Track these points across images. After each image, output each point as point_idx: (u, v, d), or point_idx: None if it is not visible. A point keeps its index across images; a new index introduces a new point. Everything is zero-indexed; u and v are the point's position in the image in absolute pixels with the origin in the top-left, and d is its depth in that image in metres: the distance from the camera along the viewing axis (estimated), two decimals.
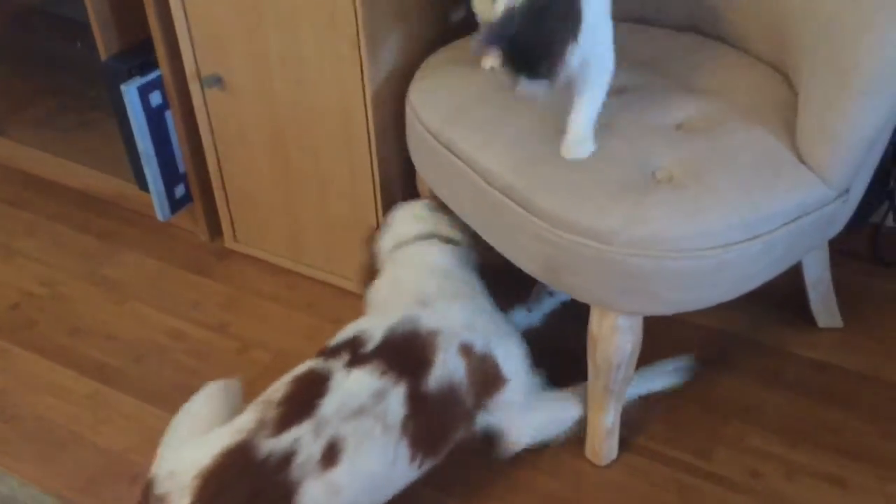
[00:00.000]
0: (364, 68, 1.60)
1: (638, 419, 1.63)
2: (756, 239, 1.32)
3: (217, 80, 1.79)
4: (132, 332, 1.89)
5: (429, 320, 1.43)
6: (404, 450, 1.34)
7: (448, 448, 1.43)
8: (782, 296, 1.79)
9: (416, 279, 1.54)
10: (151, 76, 1.89)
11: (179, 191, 2.05)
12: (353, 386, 1.34)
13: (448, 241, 1.61)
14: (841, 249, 1.98)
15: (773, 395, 1.69)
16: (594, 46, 1.30)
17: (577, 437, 1.57)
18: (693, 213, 1.29)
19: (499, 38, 1.24)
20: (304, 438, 1.28)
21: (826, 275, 1.74)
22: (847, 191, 1.40)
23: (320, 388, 1.33)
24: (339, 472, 1.28)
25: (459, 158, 1.49)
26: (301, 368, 1.40)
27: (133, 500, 1.55)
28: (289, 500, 1.25)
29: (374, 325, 1.43)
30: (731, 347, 1.79)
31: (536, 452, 1.57)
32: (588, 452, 1.57)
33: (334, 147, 1.74)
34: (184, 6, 1.73)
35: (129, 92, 1.86)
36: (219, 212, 2.03)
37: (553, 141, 1.41)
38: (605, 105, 1.39)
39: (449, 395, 1.39)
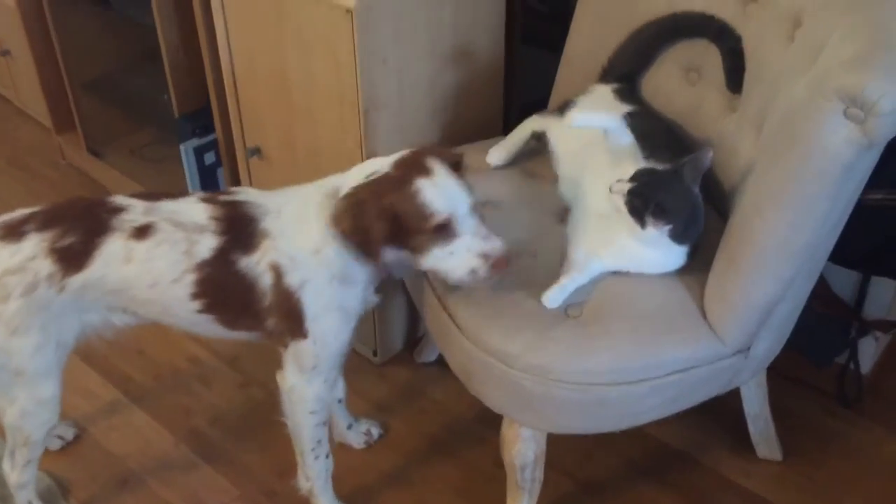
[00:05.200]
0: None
1: None
2: (642, 382, 1.47)
3: (256, 151, 2.08)
4: (159, 351, 2.19)
5: None
6: None
7: None
8: (731, 418, 1.89)
9: None
10: (209, 138, 2.20)
11: None
12: None
13: None
14: (808, 384, 2.07)
15: None
16: None
17: None
18: (583, 350, 1.46)
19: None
20: None
21: (765, 410, 1.84)
22: (748, 348, 1.53)
23: None
24: None
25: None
26: None
27: (117, 501, 1.85)
28: None
29: None
30: (669, 461, 1.92)
31: None
32: None
33: None
34: (235, 89, 2.03)
35: (187, 151, 2.18)
36: None
37: None
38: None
39: None
